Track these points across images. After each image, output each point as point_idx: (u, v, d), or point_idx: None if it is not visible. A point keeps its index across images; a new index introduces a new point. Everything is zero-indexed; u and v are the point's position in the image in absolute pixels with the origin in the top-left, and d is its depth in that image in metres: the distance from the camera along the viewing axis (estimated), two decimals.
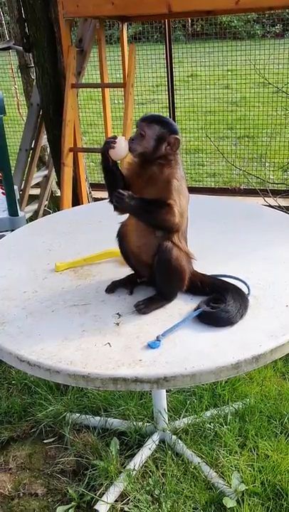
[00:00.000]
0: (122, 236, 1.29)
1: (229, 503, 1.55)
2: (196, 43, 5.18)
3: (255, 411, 1.89)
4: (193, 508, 1.57)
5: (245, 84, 4.70)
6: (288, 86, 3.51)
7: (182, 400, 1.98)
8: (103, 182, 1.25)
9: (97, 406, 1.98)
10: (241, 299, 1.18)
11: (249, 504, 1.55)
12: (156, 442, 1.79)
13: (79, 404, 2.00)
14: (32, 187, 3.58)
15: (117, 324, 1.16)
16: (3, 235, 1.94)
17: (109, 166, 1.20)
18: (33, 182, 3.58)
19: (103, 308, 1.23)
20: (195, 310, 1.17)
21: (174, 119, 3.75)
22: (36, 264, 1.48)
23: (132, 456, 1.75)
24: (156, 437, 1.80)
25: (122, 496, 1.63)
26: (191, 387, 2.01)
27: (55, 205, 3.86)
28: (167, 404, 1.87)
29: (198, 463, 1.69)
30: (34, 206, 3.76)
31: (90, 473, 1.71)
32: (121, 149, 1.16)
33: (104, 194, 1.22)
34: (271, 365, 2.16)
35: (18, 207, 2.28)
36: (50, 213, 3.46)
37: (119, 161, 1.22)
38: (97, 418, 1.93)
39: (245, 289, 1.23)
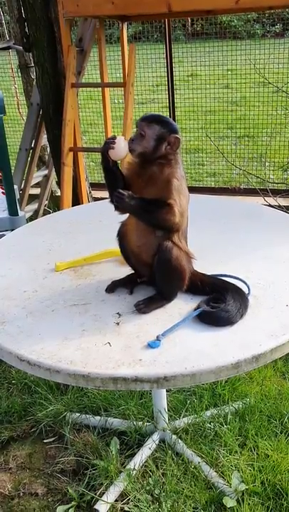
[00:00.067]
0: (122, 236, 1.29)
1: (229, 502, 1.55)
2: (196, 42, 5.18)
3: (255, 410, 1.89)
4: (193, 508, 1.57)
5: (245, 84, 4.70)
6: (288, 85, 3.51)
7: (182, 399, 1.98)
8: (103, 182, 1.25)
9: (97, 406, 1.98)
10: (241, 298, 1.18)
11: (249, 504, 1.55)
12: (157, 442, 1.79)
13: (79, 404, 2.00)
14: (32, 186, 3.58)
15: (117, 324, 1.16)
16: (3, 235, 1.94)
17: (109, 166, 1.20)
18: (33, 181, 3.58)
19: (103, 308, 1.23)
20: (195, 310, 1.17)
21: (174, 119, 3.75)
22: (36, 263, 1.48)
23: (132, 455, 1.75)
24: (156, 437, 1.80)
25: (122, 496, 1.63)
26: (191, 386, 2.01)
27: (55, 204, 3.86)
28: (167, 404, 1.87)
29: (199, 462, 1.69)
30: (34, 206, 3.76)
31: (90, 472, 1.71)
32: (120, 149, 1.16)
33: (105, 194, 1.22)
34: (271, 365, 2.16)
35: (18, 206, 2.28)
36: (50, 213, 3.46)
37: (119, 161, 1.22)
38: (97, 418, 1.93)
39: (245, 289, 1.23)
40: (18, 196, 2.60)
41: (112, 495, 1.61)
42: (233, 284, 1.24)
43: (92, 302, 1.25)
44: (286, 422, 1.85)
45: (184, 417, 1.89)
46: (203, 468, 1.68)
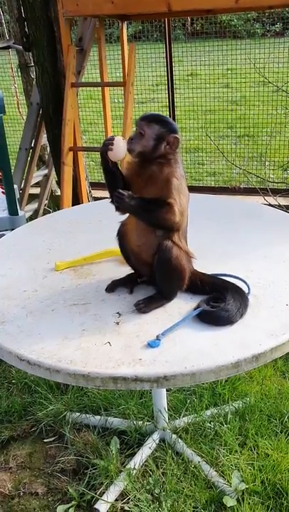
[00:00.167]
0: (122, 235, 1.29)
1: (229, 502, 1.55)
2: (196, 41, 5.17)
3: (256, 410, 1.90)
4: (193, 507, 1.57)
5: (245, 83, 4.70)
6: (288, 85, 3.51)
7: (182, 399, 1.98)
8: (103, 181, 1.25)
9: (97, 405, 1.98)
10: (241, 298, 1.18)
11: (249, 503, 1.55)
12: (157, 441, 1.79)
13: (79, 404, 2.00)
14: (32, 186, 3.58)
15: (117, 323, 1.16)
16: (3, 234, 1.94)
17: (109, 167, 1.20)
18: (33, 181, 3.58)
19: (103, 308, 1.22)
20: (195, 309, 1.17)
21: (173, 118, 3.75)
22: (36, 263, 1.48)
23: (132, 455, 1.75)
24: (156, 436, 1.80)
25: (122, 495, 1.63)
26: (191, 386, 2.01)
27: (55, 204, 3.86)
28: (167, 404, 1.87)
29: (199, 462, 1.69)
30: (34, 205, 3.76)
31: (90, 472, 1.71)
32: (119, 150, 1.16)
33: (105, 193, 1.22)
34: (271, 364, 2.16)
35: (18, 206, 2.28)
36: (50, 212, 3.47)
37: (119, 161, 1.22)
38: (98, 417, 1.93)
39: (245, 288, 1.23)
40: (18, 196, 2.60)
41: (112, 494, 1.61)
42: (233, 284, 1.24)
43: (92, 302, 1.25)
44: (286, 422, 1.85)
45: (184, 416, 1.89)
46: (203, 468, 1.68)
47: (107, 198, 1.20)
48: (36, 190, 3.76)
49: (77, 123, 2.87)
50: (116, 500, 1.62)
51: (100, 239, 1.52)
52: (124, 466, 1.70)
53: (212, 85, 4.65)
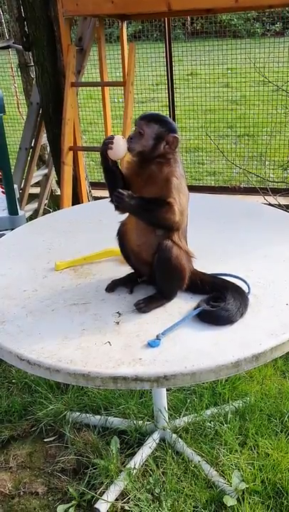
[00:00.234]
0: (122, 235, 1.29)
1: (229, 501, 1.55)
2: (196, 41, 5.17)
3: (256, 409, 1.90)
4: (193, 507, 1.57)
5: (245, 83, 4.70)
6: (288, 84, 3.51)
7: (182, 398, 1.98)
8: (103, 181, 1.25)
9: (97, 405, 1.98)
10: (241, 297, 1.18)
11: (249, 502, 1.55)
12: (157, 441, 1.79)
13: (79, 403, 2.00)
14: (32, 186, 3.58)
15: (117, 323, 1.16)
16: (3, 234, 1.94)
17: (109, 166, 1.20)
18: (33, 181, 3.58)
19: (103, 307, 1.22)
20: (195, 309, 1.17)
21: (173, 118, 3.75)
22: (36, 263, 1.48)
23: (133, 454, 1.75)
24: (156, 436, 1.80)
25: (123, 495, 1.63)
26: (191, 385, 2.01)
27: (55, 203, 3.86)
28: (167, 403, 1.87)
29: (199, 461, 1.69)
30: (34, 205, 3.76)
31: (90, 471, 1.71)
32: (119, 149, 1.16)
33: (105, 193, 1.22)
34: (271, 364, 2.16)
35: (18, 206, 2.28)
36: (50, 212, 3.46)
37: (119, 160, 1.22)
38: (98, 417, 1.93)
39: (245, 288, 1.23)
40: (18, 195, 2.60)
41: (112, 494, 1.62)
42: (233, 283, 1.24)
43: (92, 301, 1.25)
44: (286, 421, 1.85)
45: (184, 416, 1.89)
46: (203, 467, 1.68)
47: (107, 197, 1.20)
48: (36, 190, 3.76)
49: (77, 122, 2.87)
50: (116, 499, 1.62)
51: (99, 238, 1.52)
52: (125, 466, 1.70)
53: (212, 85, 4.65)
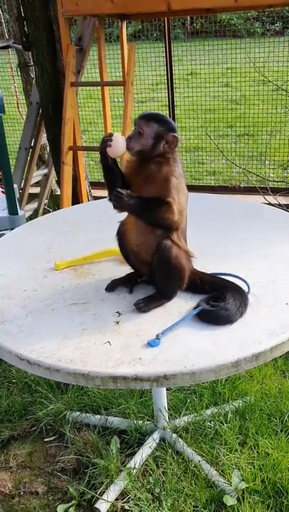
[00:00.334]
0: (121, 235, 1.29)
1: (229, 501, 1.56)
2: (196, 41, 5.17)
3: (256, 409, 1.90)
4: (193, 506, 1.57)
5: (245, 83, 4.69)
6: (288, 84, 3.51)
7: (182, 398, 1.98)
8: (103, 180, 1.25)
9: (97, 404, 1.98)
10: (241, 297, 1.18)
11: (249, 502, 1.55)
12: (157, 441, 1.79)
13: (79, 403, 2.00)
14: (32, 186, 3.58)
15: (117, 323, 1.16)
16: (3, 234, 1.94)
17: (108, 164, 1.20)
18: (33, 181, 3.58)
19: (103, 307, 1.22)
20: (195, 308, 1.16)
21: (173, 118, 3.75)
22: (36, 262, 1.48)
23: (133, 454, 1.75)
24: (156, 436, 1.80)
25: (123, 495, 1.63)
26: (191, 385, 2.01)
27: (55, 203, 3.86)
28: (167, 403, 1.87)
29: (199, 461, 1.70)
30: (34, 205, 3.76)
31: (90, 471, 1.71)
32: (118, 146, 1.16)
33: (104, 192, 1.22)
34: (271, 363, 2.16)
35: (17, 205, 2.28)
36: (49, 212, 3.46)
37: (118, 159, 1.21)
38: (98, 416, 1.93)
39: (245, 287, 1.23)
40: (17, 195, 2.60)
41: (112, 494, 1.62)
42: (233, 283, 1.24)
43: (92, 301, 1.25)
44: (286, 421, 1.85)
45: (184, 415, 1.89)
46: (203, 467, 1.68)
47: (106, 197, 1.20)
48: (36, 190, 3.76)
49: (77, 122, 2.87)
50: (116, 499, 1.62)
51: (99, 238, 1.52)
52: (125, 466, 1.71)
53: (212, 84, 4.65)
